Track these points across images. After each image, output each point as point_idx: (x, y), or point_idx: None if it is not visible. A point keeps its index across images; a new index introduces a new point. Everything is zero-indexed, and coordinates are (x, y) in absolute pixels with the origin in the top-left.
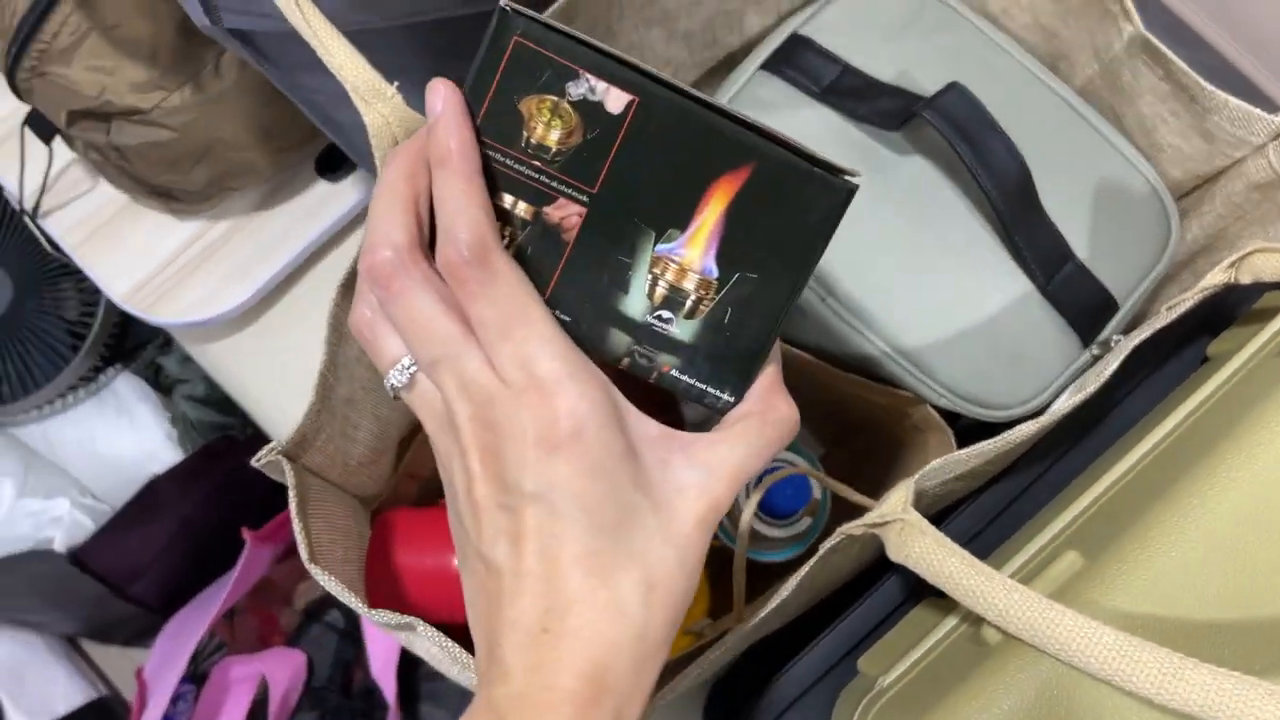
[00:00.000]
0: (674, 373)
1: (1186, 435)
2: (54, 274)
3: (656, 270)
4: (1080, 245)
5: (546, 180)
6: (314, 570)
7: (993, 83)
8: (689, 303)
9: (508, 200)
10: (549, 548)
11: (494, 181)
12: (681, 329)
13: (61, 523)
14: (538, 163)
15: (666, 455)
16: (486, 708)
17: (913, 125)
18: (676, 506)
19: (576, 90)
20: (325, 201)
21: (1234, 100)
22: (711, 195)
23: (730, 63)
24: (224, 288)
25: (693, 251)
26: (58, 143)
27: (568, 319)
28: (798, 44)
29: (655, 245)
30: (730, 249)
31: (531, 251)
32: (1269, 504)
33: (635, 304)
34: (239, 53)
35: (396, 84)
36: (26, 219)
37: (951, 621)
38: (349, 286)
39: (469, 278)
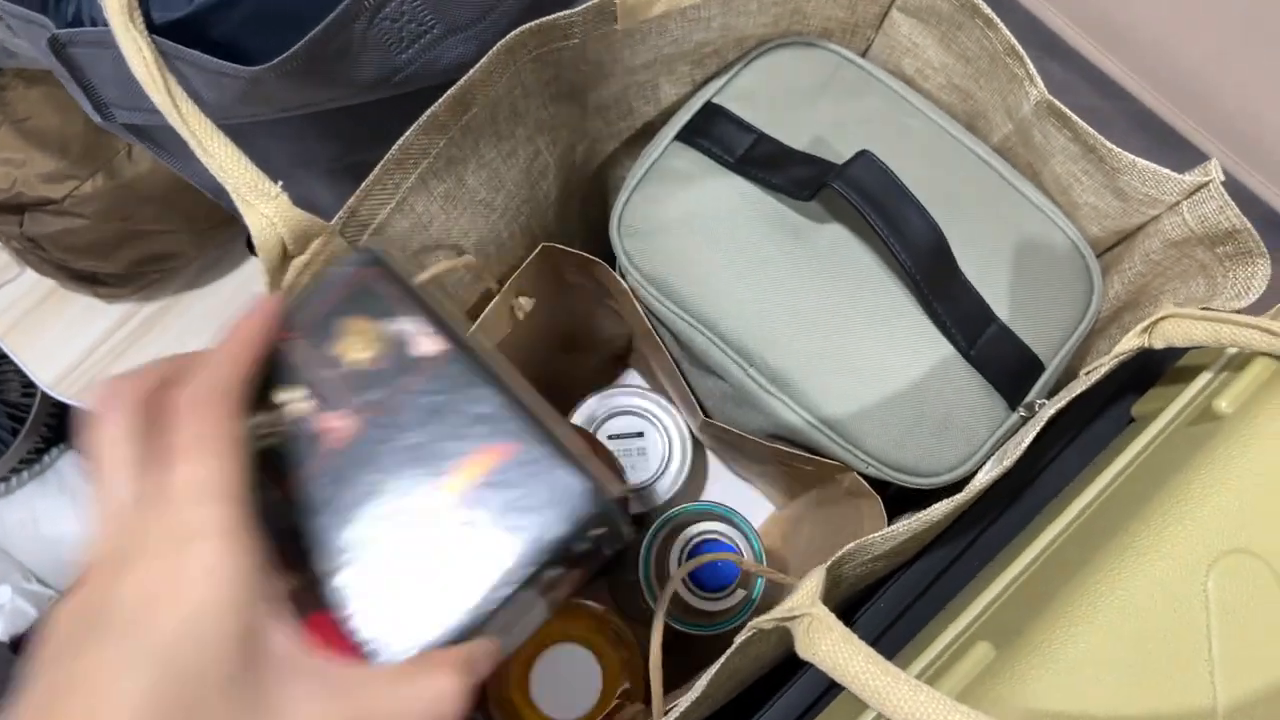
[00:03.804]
0: None
1: (1101, 510)
2: None
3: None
4: (1002, 307)
5: (333, 391)
6: None
7: (909, 144)
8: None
9: (282, 395)
10: None
11: (282, 373)
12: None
13: (4, 610)
14: (333, 373)
15: (290, 678)
16: None
17: (826, 194)
18: None
19: (393, 326)
20: (259, 279)
21: (1141, 161)
22: (472, 459)
23: (649, 131)
24: None
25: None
26: None
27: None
28: (712, 113)
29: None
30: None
31: (286, 448)
32: (1180, 588)
33: None
34: (137, 144)
35: (281, 183)
36: None
37: (871, 714)
38: None
39: None
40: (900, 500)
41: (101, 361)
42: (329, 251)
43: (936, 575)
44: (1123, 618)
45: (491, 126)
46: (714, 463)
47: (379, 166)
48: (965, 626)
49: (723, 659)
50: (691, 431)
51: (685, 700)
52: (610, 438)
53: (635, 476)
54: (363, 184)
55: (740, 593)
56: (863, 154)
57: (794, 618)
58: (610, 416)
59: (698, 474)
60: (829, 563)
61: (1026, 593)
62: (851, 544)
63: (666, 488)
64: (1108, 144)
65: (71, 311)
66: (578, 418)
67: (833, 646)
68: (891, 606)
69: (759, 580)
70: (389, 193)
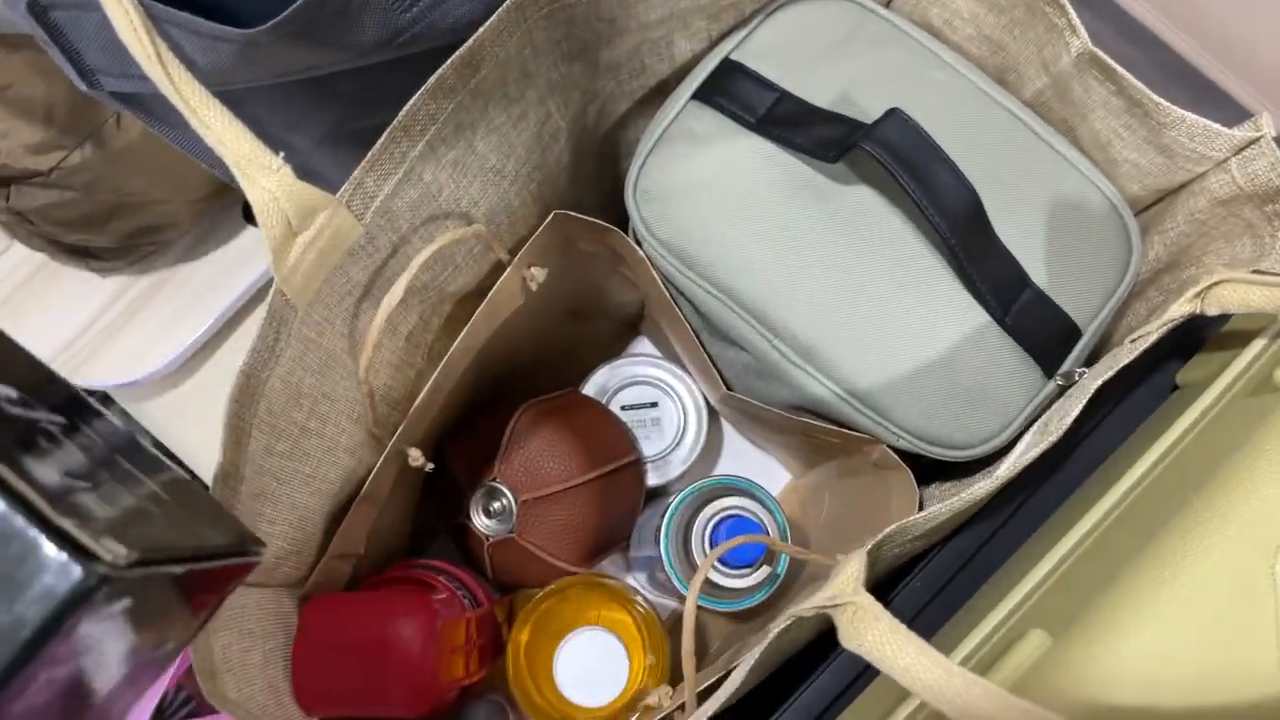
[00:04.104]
0: None
1: (1155, 487)
2: None
3: None
4: (1038, 271)
5: None
6: (218, 704)
7: (938, 100)
8: None
9: None
10: None
11: None
12: None
13: None
14: None
15: None
16: None
17: (854, 154)
18: None
19: None
20: (257, 248)
21: (1190, 116)
22: None
23: (663, 90)
24: (153, 345)
25: None
26: None
27: None
28: (730, 70)
29: None
30: None
31: None
32: (1246, 571)
33: None
34: (128, 113)
35: (283, 154)
36: None
37: (915, 702)
38: (245, 388)
39: None
40: (929, 474)
41: (98, 338)
42: (335, 226)
43: (973, 552)
44: (1187, 605)
45: (501, 89)
46: (728, 430)
47: (385, 134)
48: (1012, 610)
49: (762, 648)
50: (707, 400)
51: (723, 692)
52: (623, 409)
53: (650, 448)
54: (369, 153)
55: (765, 569)
56: (893, 112)
57: (836, 606)
58: (623, 387)
59: (713, 443)
60: (869, 546)
61: (1077, 575)
62: (892, 526)
63: (683, 458)
64: (1155, 98)
65: (66, 286)
66: (589, 388)
67: (880, 637)
68: (927, 585)
69: (784, 555)
70: (396, 162)
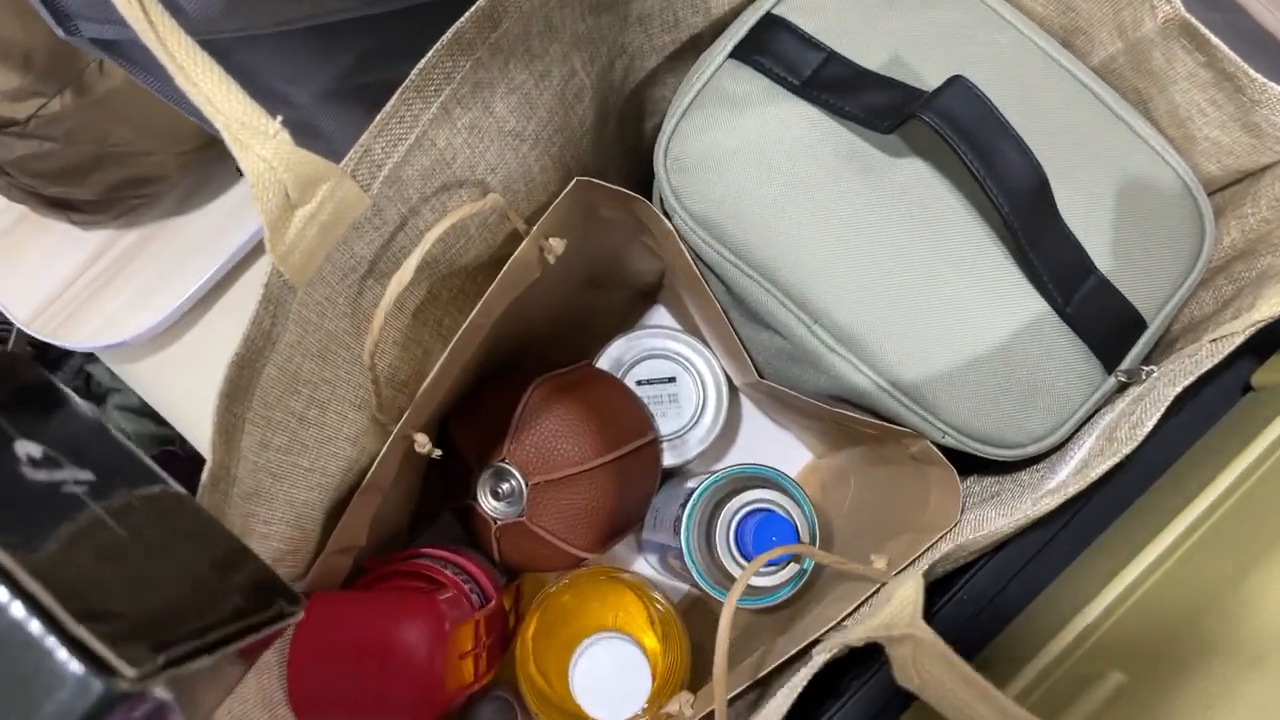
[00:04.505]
0: None
1: (1242, 506)
2: None
3: None
4: (1102, 256)
5: None
6: None
7: (999, 66)
8: None
9: None
10: None
11: None
12: None
13: None
14: None
15: None
16: None
17: (910, 125)
18: None
19: None
20: (251, 203)
21: None
22: None
23: (697, 45)
24: (138, 305)
25: None
26: None
27: None
28: (772, 26)
29: None
30: None
31: None
32: None
33: None
34: (110, 60)
35: (280, 117)
36: None
37: None
38: (238, 381)
39: None
40: (967, 462)
41: (81, 295)
42: (339, 198)
43: (1022, 565)
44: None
45: (523, 44)
46: (747, 406)
47: (396, 96)
48: (1078, 637)
49: (809, 676)
50: (727, 375)
51: None
52: (639, 383)
53: (667, 426)
54: (377, 117)
55: (793, 566)
56: (956, 80)
57: (892, 638)
58: (639, 360)
59: (731, 420)
60: (925, 567)
61: (1157, 606)
62: (949, 544)
63: (701, 437)
64: (1251, 72)
65: (47, 239)
66: (604, 362)
67: (942, 676)
68: (974, 598)
69: None
70: (407, 126)
